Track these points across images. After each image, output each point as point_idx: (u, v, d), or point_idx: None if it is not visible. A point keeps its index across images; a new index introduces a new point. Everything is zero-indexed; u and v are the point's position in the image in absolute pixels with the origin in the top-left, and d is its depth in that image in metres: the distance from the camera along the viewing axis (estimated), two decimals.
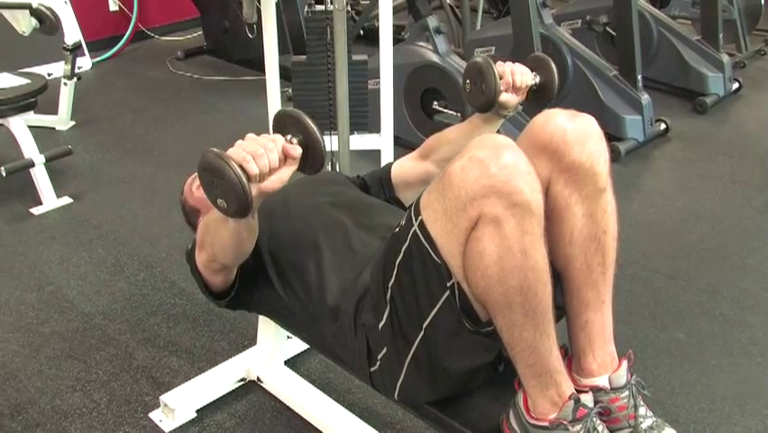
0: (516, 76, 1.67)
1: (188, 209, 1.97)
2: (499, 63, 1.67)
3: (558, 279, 1.33)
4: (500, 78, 1.62)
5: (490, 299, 1.20)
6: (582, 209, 1.29)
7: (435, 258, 1.23)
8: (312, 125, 1.26)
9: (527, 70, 1.70)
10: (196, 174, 1.97)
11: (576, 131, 1.29)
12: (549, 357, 1.22)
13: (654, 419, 1.30)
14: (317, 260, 1.57)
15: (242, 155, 1.21)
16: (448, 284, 1.25)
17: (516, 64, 1.70)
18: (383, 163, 2.92)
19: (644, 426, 1.28)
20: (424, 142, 1.88)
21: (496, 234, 1.14)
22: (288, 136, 1.27)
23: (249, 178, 1.20)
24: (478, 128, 1.77)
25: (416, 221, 1.26)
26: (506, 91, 1.66)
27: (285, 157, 1.27)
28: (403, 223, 1.31)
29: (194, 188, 1.95)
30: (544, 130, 1.30)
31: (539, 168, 1.25)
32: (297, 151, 1.27)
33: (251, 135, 1.27)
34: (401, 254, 1.30)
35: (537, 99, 1.76)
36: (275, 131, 1.30)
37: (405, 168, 1.88)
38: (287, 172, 1.28)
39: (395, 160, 2.91)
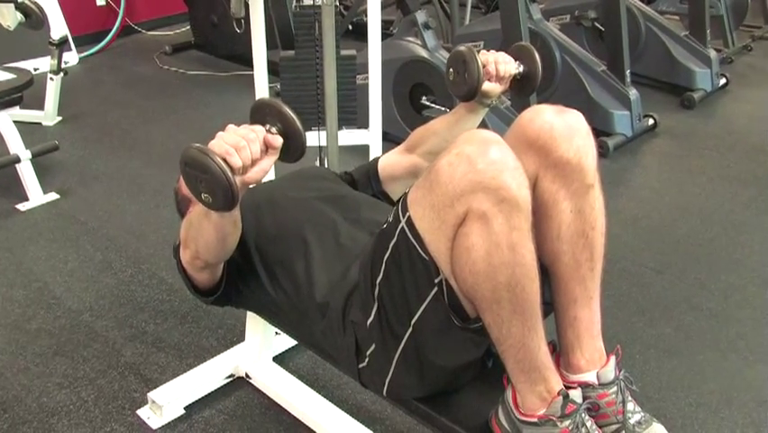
0: (499, 65, 1.66)
1: (181, 198, 1.96)
2: (483, 52, 1.66)
3: (546, 275, 1.33)
4: (483, 67, 1.61)
5: (478, 295, 1.19)
6: (570, 205, 1.29)
7: (423, 254, 1.23)
8: (290, 114, 1.26)
9: (511, 59, 1.70)
10: None
11: (563, 126, 1.29)
12: (537, 353, 1.22)
13: (643, 414, 1.30)
14: (305, 255, 1.57)
15: (224, 148, 1.21)
16: (436, 280, 1.24)
17: (500, 53, 1.69)
18: (371, 157, 2.93)
19: (632, 421, 1.29)
20: (410, 135, 1.87)
21: (483, 229, 1.14)
22: (268, 126, 1.26)
23: (232, 170, 1.19)
24: (462, 118, 1.76)
25: (403, 217, 1.25)
26: (489, 80, 1.66)
27: (266, 147, 1.27)
28: (391, 219, 1.31)
29: None
30: (532, 125, 1.30)
31: (527, 163, 1.25)
32: (278, 141, 1.27)
33: (231, 126, 1.26)
34: (389, 251, 1.29)
35: (521, 89, 1.75)
36: (253, 120, 1.29)
37: (392, 161, 1.88)
38: (268, 162, 1.28)
39: (383, 155, 2.93)
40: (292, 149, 1.28)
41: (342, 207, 1.69)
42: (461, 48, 1.63)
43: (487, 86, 1.65)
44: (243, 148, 1.22)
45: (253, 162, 1.25)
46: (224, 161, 1.18)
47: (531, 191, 1.20)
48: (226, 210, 1.23)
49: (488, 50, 1.69)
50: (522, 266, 1.16)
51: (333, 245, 1.58)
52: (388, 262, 1.30)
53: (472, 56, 1.59)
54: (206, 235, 1.38)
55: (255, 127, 1.26)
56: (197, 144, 1.20)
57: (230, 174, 1.17)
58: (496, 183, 1.12)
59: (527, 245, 1.16)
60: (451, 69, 1.66)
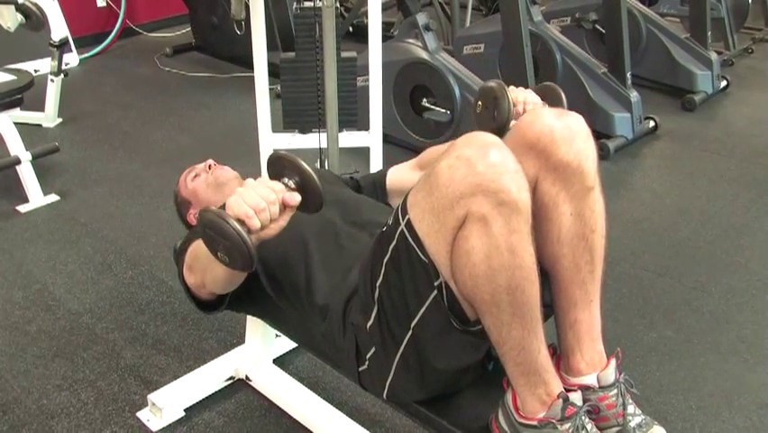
0: (528, 106, 1.65)
1: (180, 201, 1.96)
2: (512, 89, 1.65)
3: (546, 277, 1.32)
4: (513, 106, 1.60)
5: (478, 298, 1.19)
6: (570, 208, 1.29)
7: (423, 257, 1.23)
8: (307, 169, 1.25)
9: (539, 100, 1.69)
10: (192, 166, 1.98)
11: (563, 129, 1.28)
12: (537, 356, 1.22)
13: (643, 417, 1.30)
14: (306, 258, 1.57)
15: (243, 210, 1.21)
16: (435, 283, 1.24)
17: (529, 92, 1.68)
18: (372, 160, 2.92)
19: (632, 424, 1.28)
20: (422, 153, 1.86)
21: (483, 232, 1.14)
22: (285, 179, 1.26)
23: (250, 231, 1.20)
24: None
25: (403, 220, 1.25)
26: (515, 119, 1.65)
27: (284, 206, 1.27)
28: (390, 222, 1.31)
29: (189, 180, 1.94)
30: (532, 128, 1.29)
31: (527, 166, 1.24)
32: (296, 200, 1.27)
33: (250, 182, 1.25)
34: (389, 254, 1.29)
35: None
36: (270, 172, 1.28)
37: (401, 176, 1.87)
38: (285, 219, 1.28)
39: (383, 157, 2.93)
40: (310, 203, 1.28)
41: (343, 209, 1.69)
42: (493, 84, 1.62)
43: (513, 124, 1.64)
44: (263, 210, 1.22)
45: (271, 222, 1.25)
46: (243, 222, 1.19)
47: (531, 194, 1.20)
48: (243, 271, 1.23)
49: (516, 87, 1.68)
50: (522, 269, 1.15)
51: (334, 247, 1.58)
52: (387, 265, 1.30)
53: (504, 94, 1.58)
54: (215, 274, 1.40)
55: (274, 185, 1.25)
56: (214, 208, 1.20)
57: (249, 241, 1.18)
58: (495, 186, 1.12)
59: (527, 248, 1.16)
60: (480, 103, 1.65)
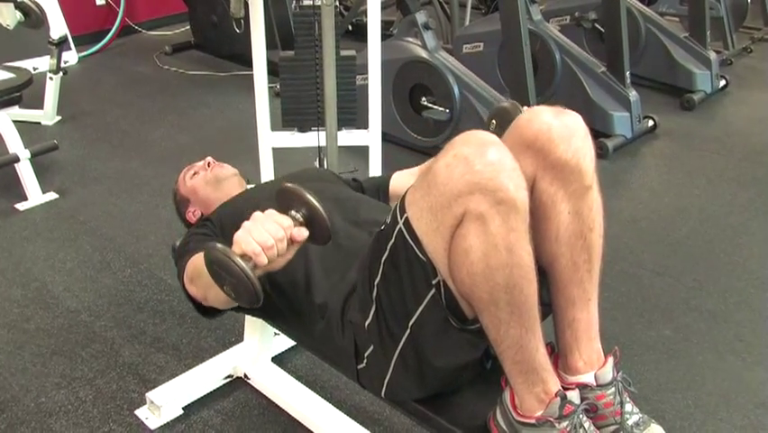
0: None
1: (179, 198, 1.96)
2: (526, 109, 1.65)
3: (544, 276, 1.32)
4: None
5: (476, 297, 1.19)
6: (568, 207, 1.29)
7: (421, 256, 1.23)
8: (315, 202, 1.25)
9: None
10: (192, 164, 1.98)
11: (562, 128, 1.28)
12: (535, 354, 1.22)
13: (641, 415, 1.30)
14: (305, 257, 1.57)
15: (251, 247, 1.20)
16: (433, 282, 1.24)
17: None
18: (371, 159, 2.92)
19: (630, 422, 1.28)
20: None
21: (481, 231, 1.14)
22: (293, 211, 1.26)
23: (257, 266, 1.20)
24: None
25: (401, 218, 1.25)
26: None
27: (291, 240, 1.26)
28: (389, 220, 1.31)
29: (187, 178, 1.94)
30: (530, 127, 1.29)
31: (525, 165, 1.24)
32: (303, 235, 1.26)
33: (259, 217, 1.24)
34: (387, 252, 1.29)
35: None
36: (278, 203, 1.28)
37: (405, 182, 1.87)
38: (292, 252, 1.28)
39: (382, 155, 2.92)
40: (317, 236, 1.28)
41: (341, 208, 1.69)
42: (507, 104, 1.64)
43: None
44: (272, 247, 1.22)
45: (279, 256, 1.25)
46: (250, 258, 1.19)
47: (529, 193, 1.20)
48: (249, 307, 1.24)
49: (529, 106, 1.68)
50: (519, 267, 1.15)
51: (332, 246, 1.57)
52: (385, 264, 1.30)
53: (518, 114, 1.59)
54: (218, 295, 1.40)
55: (282, 221, 1.24)
56: (220, 246, 1.20)
57: (255, 281, 1.18)
58: (493, 184, 1.12)
59: (525, 247, 1.16)
60: (493, 121, 1.65)
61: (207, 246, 1.22)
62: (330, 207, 1.67)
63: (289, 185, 1.27)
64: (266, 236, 1.21)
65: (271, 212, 1.25)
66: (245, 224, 1.24)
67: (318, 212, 1.24)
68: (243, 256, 1.20)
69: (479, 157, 1.13)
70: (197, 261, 1.49)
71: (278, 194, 1.29)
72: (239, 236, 1.22)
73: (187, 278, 1.56)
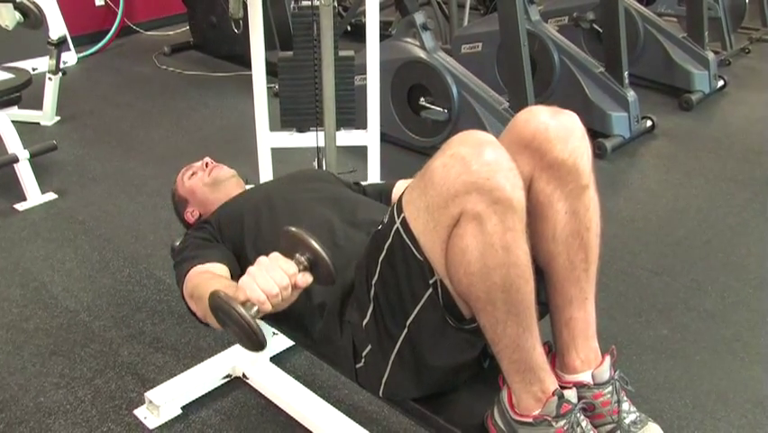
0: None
1: (178, 199, 1.97)
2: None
3: (541, 275, 1.33)
4: None
5: (473, 296, 1.20)
6: (565, 206, 1.29)
7: (418, 255, 1.23)
8: (318, 248, 1.25)
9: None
10: (190, 165, 1.98)
11: (559, 128, 1.28)
12: (532, 353, 1.23)
13: (638, 414, 1.30)
14: None
15: (256, 295, 1.21)
16: (431, 281, 1.25)
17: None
18: (369, 159, 2.93)
19: (627, 421, 1.29)
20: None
21: (478, 230, 1.14)
22: (298, 255, 1.26)
23: (260, 311, 1.21)
24: None
25: (398, 218, 1.26)
26: None
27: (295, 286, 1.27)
28: (386, 220, 1.31)
29: (186, 178, 1.94)
30: (527, 127, 1.29)
31: (522, 165, 1.25)
32: (307, 282, 1.26)
33: (264, 262, 1.24)
34: (384, 252, 1.30)
35: None
36: (283, 246, 1.28)
37: None
38: (295, 295, 1.28)
39: (381, 156, 2.93)
40: (321, 279, 1.28)
41: (339, 209, 1.69)
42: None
43: None
44: (276, 295, 1.22)
45: (282, 301, 1.25)
46: (253, 304, 1.20)
47: (526, 192, 1.20)
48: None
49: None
50: (516, 267, 1.16)
51: (331, 247, 1.58)
52: (383, 263, 1.30)
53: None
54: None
55: (288, 268, 1.24)
56: (224, 294, 1.20)
57: (259, 331, 1.19)
58: (490, 184, 1.12)
59: (522, 246, 1.16)
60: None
61: (212, 293, 1.22)
62: (328, 207, 1.69)
63: (293, 229, 1.27)
64: (271, 284, 1.21)
65: (276, 256, 1.25)
66: (250, 269, 1.24)
67: (321, 256, 1.25)
68: (247, 303, 1.21)
69: (475, 157, 1.13)
70: (198, 281, 1.50)
71: (282, 236, 1.29)
72: (244, 283, 1.22)
73: (186, 292, 1.56)
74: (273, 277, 1.22)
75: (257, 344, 1.20)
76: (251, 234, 1.68)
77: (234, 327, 1.20)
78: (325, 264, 1.25)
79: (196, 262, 1.59)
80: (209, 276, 1.52)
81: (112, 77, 4.95)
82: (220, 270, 1.58)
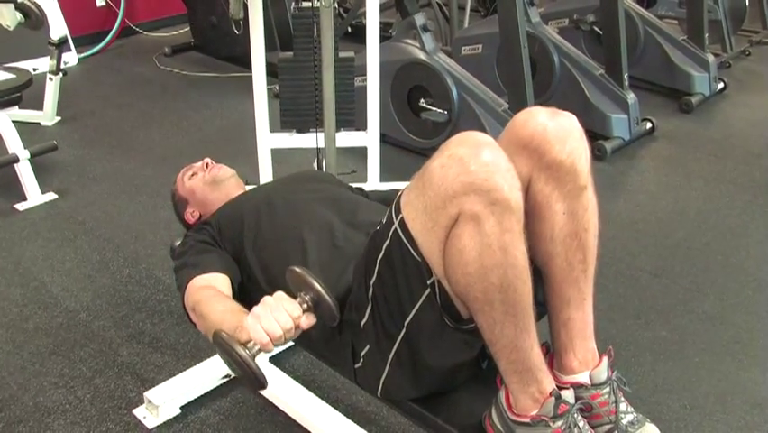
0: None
1: (178, 199, 1.97)
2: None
3: (540, 276, 1.33)
4: None
5: (471, 297, 1.20)
6: (563, 207, 1.29)
7: (416, 256, 1.24)
8: (321, 289, 1.27)
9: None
10: (190, 165, 1.99)
11: (557, 129, 1.29)
12: (530, 354, 1.23)
13: (635, 414, 1.31)
14: (303, 256, 1.58)
15: (260, 336, 1.23)
16: (428, 282, 1.25)
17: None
18: (369, 160, 2.93)
19: (624, 421, 1.29)
20: None
21: (475, 231, 1.14)
22: (302, 293, 1.28)
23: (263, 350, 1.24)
24: None
25: (396, 219, 1.26)
26: None
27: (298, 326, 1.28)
28: (384, 221, 1.32)
29: (186, 178, 1.95)
30: (525, 128, 1.30)
31: (520, 165, 1.25)
32: (310, 323, 1.28)
33: (269, 303, 1.26)
34: (382, 252, 1.30)
35: None
36: (290, 284, 1.30)
37: None
38: (297, 334, 1.29)
39: (381, 157, 2.93)
40: (325, 318, 1.31)
41: (339, 210, 1.70)
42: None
43: None
44: (280, 337, 1.24)
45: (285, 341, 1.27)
46: (256, 344, 1.22)
47: (524, 193, 1.21)
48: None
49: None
50: (514, 268, 1.16)
51: (330, 248, 1.59)
52: (381, 264, 1.31)
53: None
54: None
55: (292, 310, 1.26)
56: (227, 336, 1.23)
57: (259, 372, 1.22)
58: (488, 185, 1.12)
59: (519, 247, 1.17)
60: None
61: (215, 332, 1.25)
62: (328, 208, 1.69)
63: (297, 269, 1.29)
64: (275, 327, 1.23)
65: (282, 297, 1.27)
66: (255, 310, 1.25)
67: (324, 297, 1.27)
68: (250, 342, 1.23)
69: (473, 158, 1.13)
70: (200, 297, 1.50)
71: (287, 275, 1.32)
72: (249, 324, 1.24)
73: (188, 305, 1.56)
74: (278, 319, 1.24)
75: (257, 384, 1.23)
76: (251, 234, 1.68)
77: (236, 367, 1.22)
78: (328, 305, 1.27)
79: (196, 271, 1.59)
80: (211, 293, 1.51)
81: (112, 77, 4.96)
82: (222, 282, 1.58)
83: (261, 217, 1.70)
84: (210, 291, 1.52)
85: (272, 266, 1.62)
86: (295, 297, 1.29)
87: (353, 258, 1.48)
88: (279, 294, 1.28)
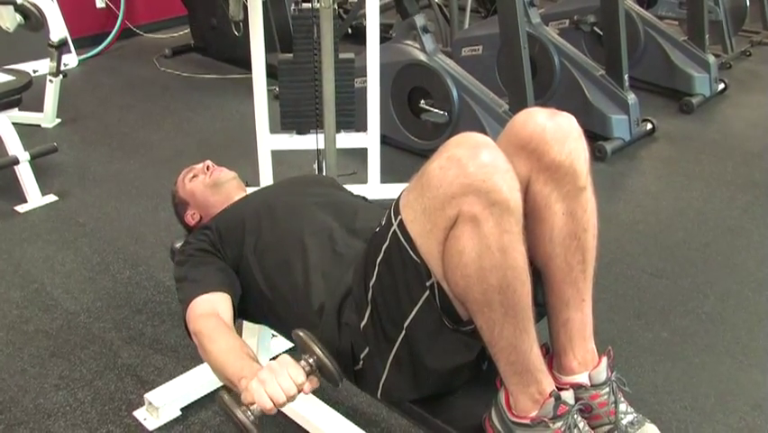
0: None
1: (178, 201, 1.97)
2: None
3: (539, 277, 1.33)
4: None
5: (470, 298, 1.20)
6: (562, 208, 1.29)
7: (415, 257, 1.24)
8: (324, 357, 1.29)
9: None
10: (191, 167, 1.99)
11: (556, 129, 1.28)
12: (529, 355, 1.23)
13: (635, 415, 1.30)
14: (303, 260, 1.57)
15: (263, 401, 1.24)
16: (428, 283, 1.25)
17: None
18: (369, 162, 2.93)
19: (624, 422, 1.29)
20: None
21: (474, 232, 1.14)
22: (306, 355, 1.31)
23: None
24: None
25: (395, 221, 1.26)
26: None
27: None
28: (383, 222, 1.31)
29: (186, 181, 1.94)
30: (524, 128, 1.29)
31: (519, 166, 1.25)
32: (313, 387, 1.30)
33: (274, 368, 1.27)
34: (381, 254, 1.30)
35: None
36: (297, 346, 1.32)
37: None
38: (298, 397, 1.31)
39: (381, 158, 2.93)
40: (327, 379, 1.33)
41: (339, 214, 1.69)
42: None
43: None
44: (283, 404, 1.25)
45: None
46: (257, 405, 1.24)
47: (523, 194, 1.20)
48: None
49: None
50: (513, 269, 1.16)
51: (330, 253, 1.59)
52: (380, 265, 1.31)
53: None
54: (214, 370, 1.44)
55: (296, 376, 1.27)
56: (229, 397, 1.25)
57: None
58: (487, 186, 1.12)
59: (518, 248, 1.17)
60: None
61: (219, 395, 1.27)
62: (328, 213, 1.69)
63: (302, 334, 1.31)
64: (279, 394, 1.24)
65: (287, 363, 1.28)
66: (260, 375, 1.26)
67: (326, 364, 1.29)
68: (253, 405, 1.24)
69: (472, 159, 1.13)
70: (201, 327, 1.49)
71: (294, 336, 1.34)
72: (253, 387, 1.25)
73: (190, 328, 1.55)
74: (282, 384, 1.25)
75: None
76: (252, 238, 1.68)
77: (237, 429, 1.25)
78: (329, 371, 1.29)
79: (198, 290, 1.58)
80: (212, 325, 1.50)
81: (112, 79, 4.96)
82: (223, 304, 1.57)
83: (262, 222, 1.70)
84: (212, 322, 1.50)
85: (273, 270, 1.62)
86: (299, 356, 1.31)
87: (353, 264, 1.48)
88: (285, 359, 1.29)
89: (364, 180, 2.99)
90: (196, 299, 1.56)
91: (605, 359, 1.32)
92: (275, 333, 2.13)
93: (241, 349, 1.41)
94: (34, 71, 4.44)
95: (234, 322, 1.62)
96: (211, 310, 1.54)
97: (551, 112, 1.31)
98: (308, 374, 1.29)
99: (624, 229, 3.09)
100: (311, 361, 1.29)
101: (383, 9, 4.31)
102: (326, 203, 1.75)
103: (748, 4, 5.19)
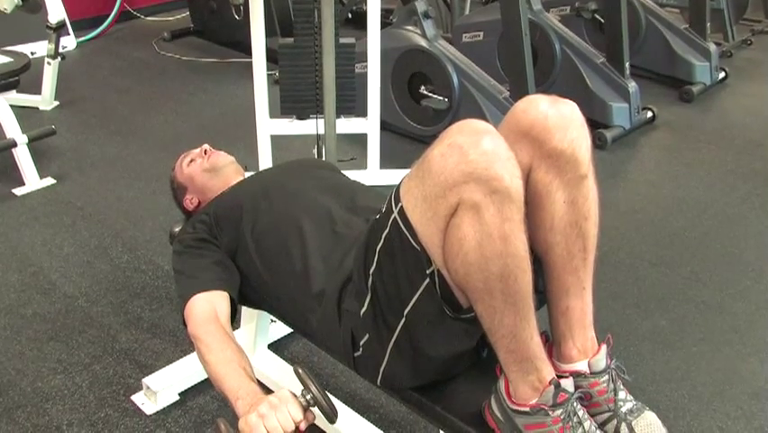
0: None
1: (176, 185, 1.96)
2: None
3: (539, 265, 1.33)
4: None
5: (470, 286, 1.19)
6: (563, 196, 1.28)
7: (415, 245, 1.23)
8: (319, 395, 1.30)
9: None
10: (188, 151, 1.98)
11: (558, 117, 1.27)
12: (529, 343, 1.22)
13: (634, 402, 1.30)
14: (302, 244, 1.57)
15: None
16: (428, 271, 1.24)
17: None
18: (369, 147, 2.93)
19: (623, 409, 1.29)
20: None
21: (475, 220, 1.14)
22: (304, 390, 1.31)
23: None
24: None
25: (396, 208, 1.25)
26: None
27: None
28: (384, 209, 1.31)
29: (184, 165, 1.94)
30: (526, 116, 1.28)
31: (520, 154, 1.24)
32: (310, 421, 1.31)
33: (274, 403, 1.27)
34: (382, 241, 1.29)
35: None
36: (298, 379, 1.32)
37: None
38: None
39: (381, 144, 2.93)
40: (325, 416, 1.33)
41: (338, 195, 1.69)
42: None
43: None
44: None
45: None
46: None
47: (524, 182, 1.20)
48: None
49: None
50: (514, 257, 1.15)
51: (330, 234, 1.58)
52: (380, 253, 1.30)
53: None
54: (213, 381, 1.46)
55: (295, 413, 1.28)
56: (224, 428, 1.25)
57: None
58: (488, 174, 1.11)
59: (519, 236, 1.16)
60: None
61: (219, 420, 1.27)
62: (327, 194, 1.68)
63: (300, 371, 1.32)
64: (278, 430, 1.25)
65: (286, 399, 1.28)
66: (260, 409, 1.26)
67: (321, 401, 1.30)
68: None
69: (473, 146, 1.12)
70: (202, 333, 1.51)
71: (294, 371, 1.34)
72: (252, 421, 1.25)
73: (189, 331, 1.56)
74: (280, 420, 1.25)
75: None
76: (250, 222, 1.67)
77: None
78: (325, 408, 1.30)
79: (196, 287, 1.59)
80: (212, 332, 1.51)
81: (111, 62, 4.94)
82: (222, 303, 1.58)
83: (260, 206, 1.69)
84: (211, 329, 1.52)
85: (271, 254, 1.61)
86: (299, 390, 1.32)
87: (354, 244, 1.48)
88: (285, 395, 1.29)
89: (364, 166, 2.99)
90: (195, 297, 1.57)
91: (604, 347, 1.31)
92: (273, 318, 2.13)
93: (239, 364, 1.42)
94: (32, 53, 4.42)
95: (233, 316, 1.62)
96: (210, 312, 1.54)
97: (553, 99, 1.30)
98: (305, 409, 1.30)
99: (623, 217, 3.09)
100: (308, 397, 1.31)
101: None
102: (325, 186, 1.74)
103: None
